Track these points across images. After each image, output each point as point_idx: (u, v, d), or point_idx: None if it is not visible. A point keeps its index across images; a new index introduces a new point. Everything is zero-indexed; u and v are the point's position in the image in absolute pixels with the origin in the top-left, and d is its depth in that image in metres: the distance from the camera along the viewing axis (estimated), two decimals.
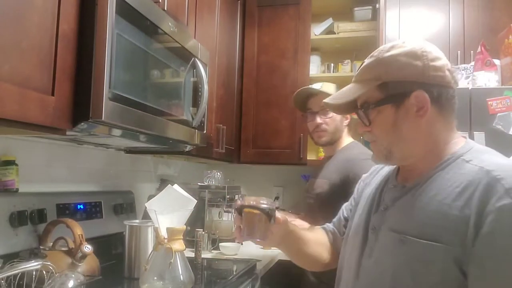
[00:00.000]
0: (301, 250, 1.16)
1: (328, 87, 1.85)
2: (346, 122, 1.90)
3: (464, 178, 0.85)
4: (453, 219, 0.82)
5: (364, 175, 1.21)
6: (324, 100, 1.06)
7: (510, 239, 0.77)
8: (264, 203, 1.02)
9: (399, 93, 0.92)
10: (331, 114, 1.83)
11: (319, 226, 1.30)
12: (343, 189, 1.75)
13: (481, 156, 0.89)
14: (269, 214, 1.02)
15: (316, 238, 1.21)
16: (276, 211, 1.05)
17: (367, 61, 0.98)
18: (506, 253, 0.77)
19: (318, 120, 1.85)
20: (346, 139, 1.93)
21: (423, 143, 0.93)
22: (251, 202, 1.02)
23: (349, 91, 0.99)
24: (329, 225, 1.29)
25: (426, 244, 0.83)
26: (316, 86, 1.89)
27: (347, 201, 1.32)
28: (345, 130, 1.92)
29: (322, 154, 2.96)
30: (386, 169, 1.10)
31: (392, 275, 0.88)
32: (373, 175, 1.15)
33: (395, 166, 1.05)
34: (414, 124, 0.92)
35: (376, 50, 0.97)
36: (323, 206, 1.82)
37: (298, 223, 1.55)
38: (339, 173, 1.78)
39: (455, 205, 0.83)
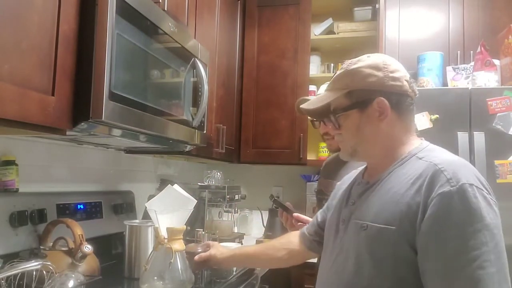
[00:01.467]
0: (248, 263, 1.52)
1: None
2: None
3: (416, 172, 0.97)
4: (404, 205, 0.94)
5: (338, 183, 1.32)
6: (300, 106, 1.17)
7: (446, 221, 0.88)
8: (199, 250, 1.55)
9: (363, 100, 1.05)
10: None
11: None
12: None
13: (432, 153, 1.01)
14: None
15: (265, 247, 1.52)
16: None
17: (338, 72, 1.12)
18: (442, 234, 0.88)
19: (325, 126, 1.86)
20: None
21: (383, 143, 1.07)
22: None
23: (321, 98, 1.12)
24: (302, 229, 1.42)
25: (381, 228, 0.96)
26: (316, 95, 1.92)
27: None
28: None
29: (322, 154, 2.97)
30: (356, 173, 1.24)
31: (355, 257, 1.01)
32: (345, 182, 1.27)
33: (363, 167, 1.19)
34: (376, 127, 1.06)
35: (345, 63, 1.12)
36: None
37: (302, 218, 1.70)
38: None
39: (407, 194, 0.95)
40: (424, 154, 1.02)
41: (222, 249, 1.57)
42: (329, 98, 1.08)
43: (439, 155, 0.99)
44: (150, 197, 1.65)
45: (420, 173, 0.96)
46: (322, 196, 1.90)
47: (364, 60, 1.09)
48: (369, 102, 1.04)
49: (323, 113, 1.12)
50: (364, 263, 0.98)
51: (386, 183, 1.03)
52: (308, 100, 1.86)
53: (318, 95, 1.15)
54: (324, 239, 1.21)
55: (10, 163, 1.45)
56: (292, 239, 1.43)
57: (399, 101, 1.05)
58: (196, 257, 1.52)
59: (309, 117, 1.93)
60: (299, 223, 1.69)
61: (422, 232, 0.90)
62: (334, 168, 1.94)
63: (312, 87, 2.98)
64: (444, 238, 0.87)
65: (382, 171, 1.06)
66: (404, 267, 0.93)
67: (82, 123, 1.22)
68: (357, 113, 1.06)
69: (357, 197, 1.10)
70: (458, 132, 2.18)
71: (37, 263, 1.12)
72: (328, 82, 1.18)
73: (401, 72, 1.08)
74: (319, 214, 1.35)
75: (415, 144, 1.07)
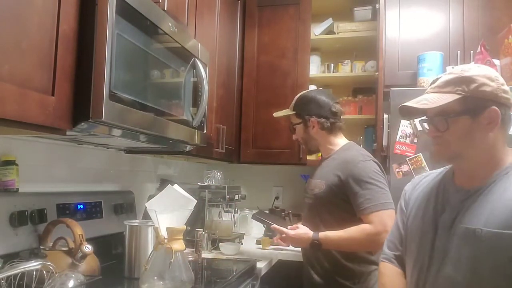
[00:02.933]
0: None
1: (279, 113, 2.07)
2: (312, 128, 1.93)
3: None
4: None
5: (407, 188, 1.39)
6: (409, 104, 1.17)
7: None
8: None
9: (477, 108, 1.10)
10: (293, 130, 2.01)
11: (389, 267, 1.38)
12: (340, 189, 1.79)
13: None
14: None
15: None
16: None
17: (447, 76, 1.15)
18: None
19: (294, 136, 2.04)
20: (340, 141, 1.95)
21: (488, 151, 1.13)
22: None
23: (435, 99, 1.13)
24: (389, 253, 1.38)
25: (498, 233, 1.03)
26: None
27: (344, 201, 1.78)
28: (327, 135, 1.94)
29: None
30: (428, 179, 1.32)
31: (470, 261, 1.07)
32: (414, 186, 1.36)
33: (444, 173, 1.27)
34: (485, 135, 1.11)
35: (455, 68, 1.18)
36: (320, 206, 1.86)
37: (278, 229, 1.87)
38: (337, 174, 1.80)
39: None
40: None
41: None
42: (445, 100, 1.11)
43: None
44: (150, 197, 1.65)
45: None
46: (305, 195, 1.99)
47: (477, 69, 1.14)
48: (482, 110, 1.10)
49: (432, 114, 1.14)
50: (482, 266, 1.05)
51: (493, 190, 1.09)
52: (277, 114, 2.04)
53: (428, 96, 1.16)
54: (409, 247, 1.27)
55: (10, 163, 1.45)
56: (395, 278, 1.34)
57: (505, 113, 1.12)
58: None
59: (292, 123, 2.00)
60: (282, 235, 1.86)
61: None
62: (317, 166, 2.02)
63: (312, 87, 2.98)
64: None
65: (483, 178, 1.13)
66: None
67: (82, 123, 1.22)
68: (469, 119, 1.10)
69: (457, 204, 1.15)
70: None
71: (37, 263, 1.12)
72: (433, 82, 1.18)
73: (507, 86, 1.14)
74: (401, 224, 1.35)
75: None
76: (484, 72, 1.12)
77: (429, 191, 1.27)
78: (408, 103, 1.18)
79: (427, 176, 1.35)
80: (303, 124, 1.96)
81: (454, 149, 1.13)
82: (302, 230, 1.83)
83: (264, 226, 1.96)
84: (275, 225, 1.88)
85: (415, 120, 2.16)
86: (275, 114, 2.08)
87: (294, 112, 1.97)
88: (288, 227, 1.87)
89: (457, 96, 1.11)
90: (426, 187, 1.30)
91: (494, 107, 1.09)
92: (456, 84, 1.12)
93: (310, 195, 1.91)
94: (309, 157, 2.86)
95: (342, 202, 1.79)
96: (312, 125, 1.93)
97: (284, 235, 1.84)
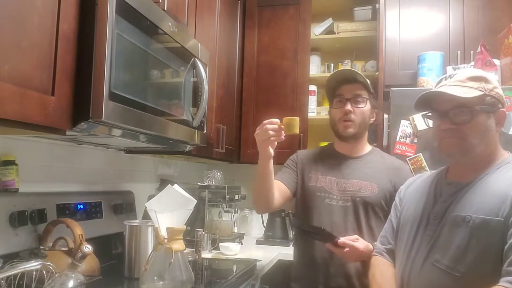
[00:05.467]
0: None
1: (364, 78, 1.74)
2: (372, 120, 1.77)
3: None
4: (505, 201, 1.08)
5: (402, 187, 1.47)
6: (443, 90, 1.19)
7: None
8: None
9: (493, 106, 1.19)
10: (362, 104, 1.71)
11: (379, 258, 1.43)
12: (391, 197, 1.63)
13: None
14: None
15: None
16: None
17: (467, 73, 1.22)
18: None
19: (348, 106, 1.69)
20: (367, 144, 1.81)
21: (491, 149, 1.21)
22: None
23: (462, 90, 1.18)
24: (380, 247, 1.44)
25: (485, 219, 1.09)
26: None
27: (389, 209, 1.56)
28: (366, 133, 1.79)
29: None
30: (422, 177, 1.40)
31: (458, 246, 1.12)
32: (408, 185, 1.44)
33: (439, 171, 1.35)
34: (494, 133, 1.21)
35: (472, 67, 1.26)
36: (367, 211, 1.66)
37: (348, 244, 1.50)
38: (390, 180, 1.68)
39: (506, 192, 1.09)
40: None
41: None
42: (473, 93, 1.16)
43: None
44: (150, 197, 1.65)
45: None
46: (334, 196, 1.76)
47: (487, 73, 1.26)
48: (495, 110, 1.19)
49: (456, 105, 1.18)
50: (468, 252, 1.10)
51: (484, 182, 1.17)
52: (345, 73, 1.74)
53: (454, 87, 1.20)
54: (400, 237, 1.33)
55: (10, 163, 1.45)
56: (384, 267, 1.39)
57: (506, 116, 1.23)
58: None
59: (364, 98, 1.71)
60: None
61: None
62: (331, 163, 1.82)
63: (312, 87, 2.98)
64: None
65: (476, 172, 1.20)
66: (501, 252, 1.06)
67: (82, 123, 1.22)
68: (485, 116, 1.18)
69: (450, 196, 1.22)
70: None
71: (37, 263, 1.12)
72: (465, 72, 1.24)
73: (508, 86, 1.32)
74: (394, 220, 1.42)
75: (506, 154, 1.25)
76: (494, 77, 1.25)
77: (423, 187, 1.33)
78: (439, 89, 1.21)
79: (421, 176, 1.43)
80: (371, 108, 1.75)
81: (471, 142, 1.18)
82: (362, 241, 1.54)
83: (313, 236, 1.61)
84: (344, 240, 1.51)
85: (415, 119, 2.16)
86: None
87: (372, 92, 1.78)
88: (345, 238, 1.52)
89: (479, 92, 1.17)
90: (420, 184, 1.37)
91: (503, 109, 1.21)
92: (477, 80, 1.19)
93: (347, 197, 1.67)
94: None
95: (388, 210, 1.59)
96: (375, 115, 1.78)
97: (347, 248, 1.50)
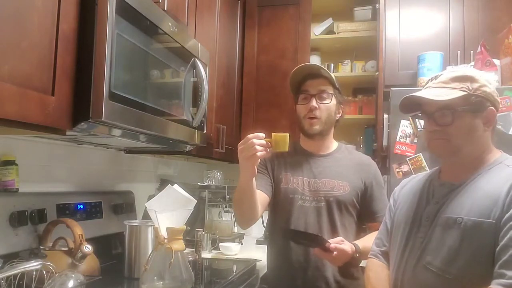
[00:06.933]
0: None
1: (328, 73, 1.72)
2: (338, 116, 1.73)
3: (509, 176, 1.11)
4: (495, 202, 1.07)
5: (396, 188, 1.45)
6: (419, 95, 1.19)
7: None
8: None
9: (479, 106, 1.16)
10: (328, 100, 1.67)
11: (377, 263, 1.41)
12: (362, 194, 1.66)
13: None
14: None
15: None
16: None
17: (450, 73, 1.20)
18: None
19: (313, 103, 1.66)
20: (333, 141, 1.78)
21: (481, 149, 1.19)
22: None
23: (443, 93, 1.16)
24: (375, 249, 1.42)
25: (477, 221, 1.08)
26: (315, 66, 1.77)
27: (359, 206, 1.65)
28: (333, 129, 1.75)
29: None
30: (416, 178, 1.38)
31: (450, 248, 1.11)
32: (402, 186, 1.42)
33: (432, 172, 1.34)
34: (482, 133, 1.18)
35: (458, 67, 1.23)
36: (340, 210, 1.64)
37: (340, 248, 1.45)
38: (360, 177, 1.67)
39: (497, 193, 1.08)
40: (510, 162, 1.18)
41: None
42: (453, 95, 1.14)
43: None
44: (150, 197, 1.65)
45: (508, 178, 1.10)
46: (305, 197, 1.73)
47: (476, 71, 1.23)
48: (482, 109, 1.16)
49: (438, 107, 1.17)
50: (460, 254, 1.09)
51: (476, 183, 1.15)
52: (307, 69, 1.74)
53: (436, 90, 1.19)
54: (394, 239, 1.32)
55: (10, 163, 1.45)
56: (378, 269, 1.38)
57: (496, 115, 1.21)
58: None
59: (328, 93, 1.67)
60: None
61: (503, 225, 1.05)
62: (297, 162, 1.76)
63: None
64: None
65: (467, 173, 1.18)
66: (492, 254, 1.05)
67: (82, 123, 1.22)
68: (471, 116, 1.16)
69: (442, 197, 1.20)
70: None
71: (37, 263, 1.12)
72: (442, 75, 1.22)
73: (508, 86, 1.28)
74: (388, 222, 1.40)
75: (498, 154, 1.22)
76: (483, 75, 1.20)
77: (416, 188, 1.33)
78: (417, 94, 1.20)
79: (416, 177, 1.41)
80: (337, 103, 1.72)
81: (456, 144, 1.17)
82: (347, 243, 1.50)
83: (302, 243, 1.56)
84: (335, 244, 1.45)
85: (417, 119, 2.16)
86: None
87: (337, 88, 1.74)
88: (333, 241, 1.47)
89: (462, 93, 1.15)
90: (414, 185, 1.36)
91: (492, 107, 1.17)
92: (461, 81, 1.16)
93: (320, 197, 1.64)
94: None
95: (358, 207, 1.66)
96: (341, 111, 1.74)
97: (336, 252, 1.44)
